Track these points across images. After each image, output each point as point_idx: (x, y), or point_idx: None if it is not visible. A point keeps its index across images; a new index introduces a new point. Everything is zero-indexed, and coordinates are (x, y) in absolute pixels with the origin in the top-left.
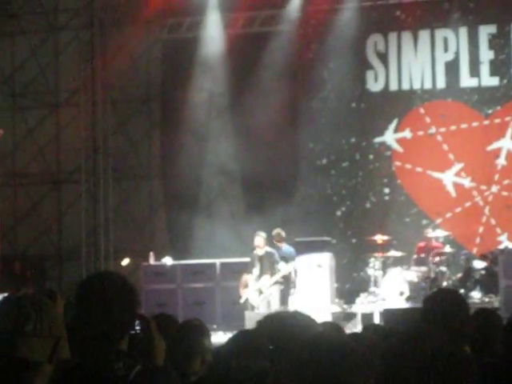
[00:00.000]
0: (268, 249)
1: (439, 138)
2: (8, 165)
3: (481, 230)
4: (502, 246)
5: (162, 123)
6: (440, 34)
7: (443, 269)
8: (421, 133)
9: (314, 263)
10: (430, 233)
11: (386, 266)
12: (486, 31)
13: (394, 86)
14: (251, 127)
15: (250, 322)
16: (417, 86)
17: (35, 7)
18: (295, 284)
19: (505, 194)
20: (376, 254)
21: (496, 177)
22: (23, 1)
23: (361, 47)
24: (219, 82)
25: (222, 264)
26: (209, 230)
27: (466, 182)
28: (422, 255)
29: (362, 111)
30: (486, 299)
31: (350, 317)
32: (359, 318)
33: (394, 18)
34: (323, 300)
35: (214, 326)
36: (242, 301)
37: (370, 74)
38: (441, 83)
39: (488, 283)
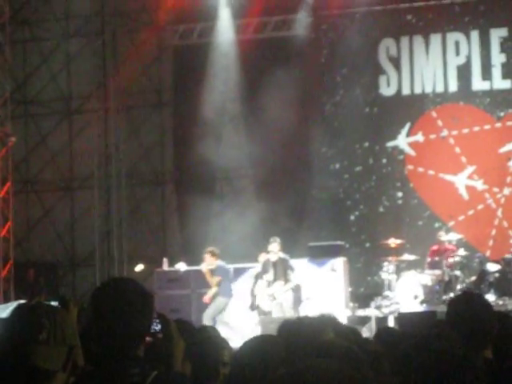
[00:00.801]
0: (282, 255)
1: (451, 141)
2: (21, 172)
3: (493, 232)
4: None
5: (174, 129)
6: (451, 37)
7: (457, 272)
8: (433, 136)
9: (327, 268)
10: (443, 236)
11: (399, 269)
12: (497, 34)
13: (406, 91)
14: (264, 132)
15: (264, 326)
16: (429, 89)
17: (47, 14)
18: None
19: None
20: (390, 258)
21: (508, 179)
22: (35, 8)
23: (373, 52)
24: (231, 88)
25: (236, 269)
26: (222, 235)
27: (479, 185)
28: (436, 258)
29: (374, 116)
30: (500, 302)
31: (365, 321)
32: (373, 321)
33: (406, 22)
34: (337, 304)
35: None
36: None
37: (382, 79)
38: (453, 87)
39: (502, 286)
